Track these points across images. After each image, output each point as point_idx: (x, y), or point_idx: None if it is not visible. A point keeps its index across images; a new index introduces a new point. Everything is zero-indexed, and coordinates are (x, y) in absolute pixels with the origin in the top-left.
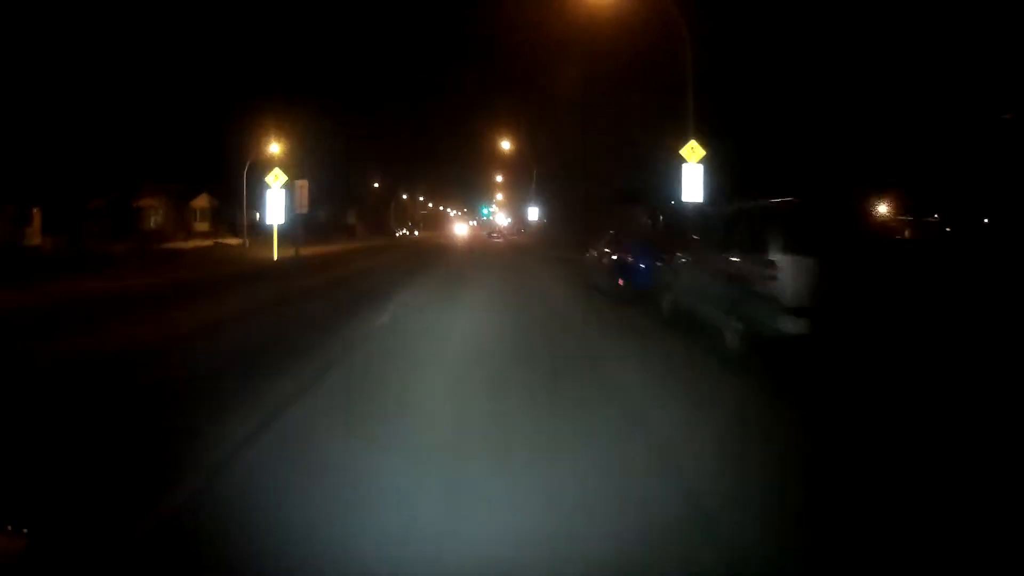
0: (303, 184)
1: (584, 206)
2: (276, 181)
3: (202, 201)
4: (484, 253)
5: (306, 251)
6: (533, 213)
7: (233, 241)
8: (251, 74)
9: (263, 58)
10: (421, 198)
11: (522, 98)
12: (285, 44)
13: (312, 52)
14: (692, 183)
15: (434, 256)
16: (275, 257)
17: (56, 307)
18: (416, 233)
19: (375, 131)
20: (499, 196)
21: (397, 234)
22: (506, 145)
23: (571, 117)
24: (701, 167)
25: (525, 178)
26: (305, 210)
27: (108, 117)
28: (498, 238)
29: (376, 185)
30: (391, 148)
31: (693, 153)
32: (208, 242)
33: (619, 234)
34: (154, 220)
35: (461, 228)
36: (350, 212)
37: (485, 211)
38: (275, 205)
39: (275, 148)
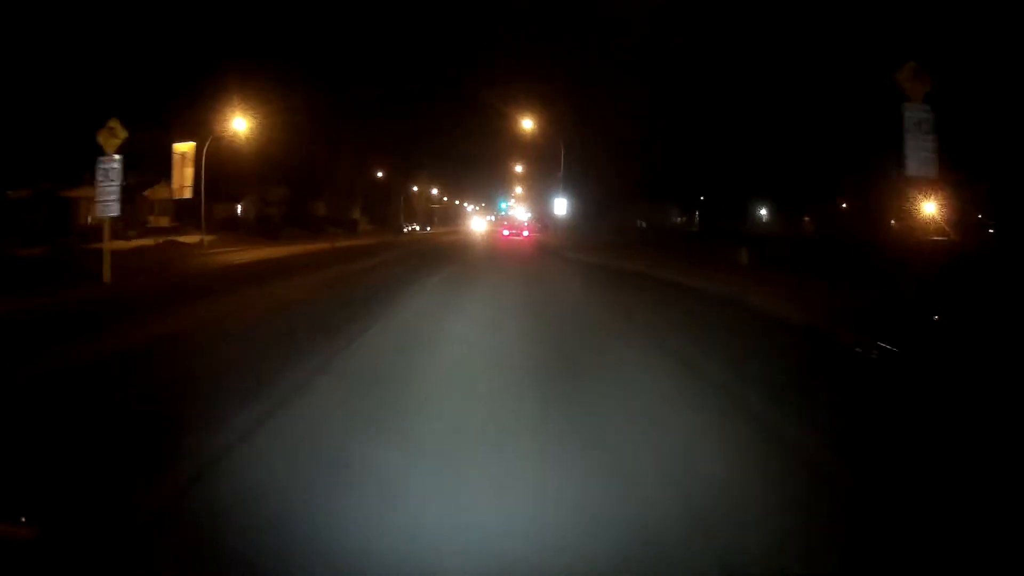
0: (185, 152)
1: (622, 200)
2: (111, 143)
3: (162, 191)
4: (504, 258)
5: (241, 255)
6: (561, 206)
7: (191, 239)
8: (223, 40)
9: (235, 19)
10: (435, 191)
11: (550, 67)
12: (263, 5)
13: (301, 19)
14: (919, 139)
15: (422, 270)
16: (106, 277)
17: None
18: (428, 229)
19: (381, 117)
20: (518, 190)
21: (405, 230)
22: (528, 124)
23: (612, 82)
24: (928, 108)
25: (548, 167)
26: (187, 195)
27: (35, 91)
28: (517, 235)
29: (380, 175)
30: (399, 136)
31: (916, 82)
32: (157, 240)
33: None
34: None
35: (479, 224)
36: (354, 206)
37: (503, 205)
38: (107, 185)
39: (241, 125)
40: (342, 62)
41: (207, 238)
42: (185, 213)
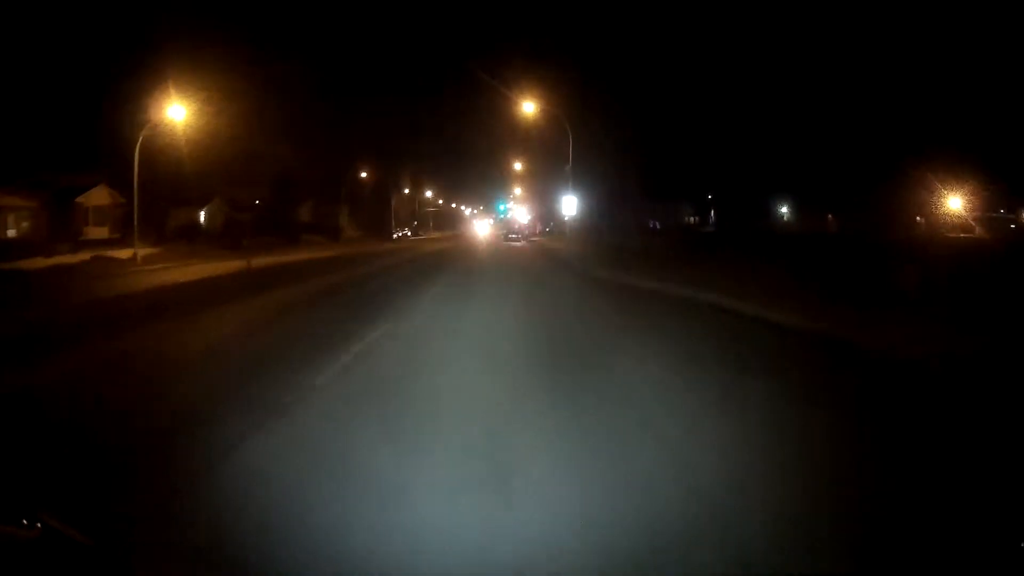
0: None
1: (633, 199)
2: None
3: (99, 197)
4: (502, 281)
5: (165, 276)
6: (570, 205)
7: (125, 254)
8: (178, 13)
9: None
10: (429, 193)
11: (554, 50)
12: None
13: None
14: None
15: (364, 314)
16: None
17: None
18: (422, 234)
19: (369, 113)
20: (517, 191)
21: (396, 235)
22: (529, 107)
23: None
24: None
25: (551, 164)
26: None
27: None
28: (519, 240)
29: (364, 175)
30: (390, 134)
31: None
32: (84, 255)
33: None
34: (19, 226)
35: (482, 227)
36: (340, 211)
37: (502, 207)
38: None
39: (179, 114)
40: (325, 49)
41: (146, 251)
42: (131, 222)
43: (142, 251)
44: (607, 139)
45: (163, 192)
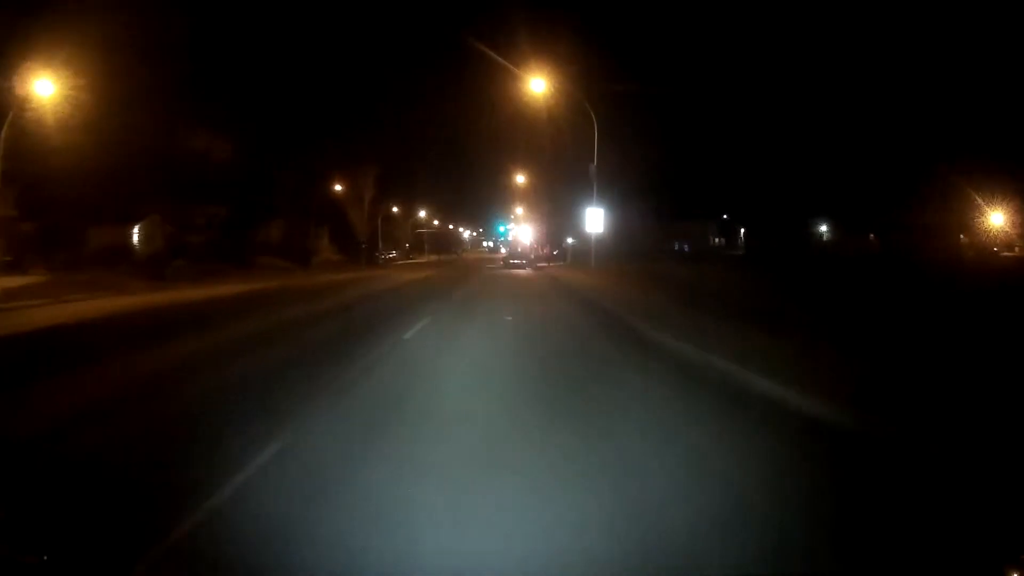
0: None
1: (657, 218)
2: None
3: None
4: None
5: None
6: (595, 220)
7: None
8: None
9: None
10: (423, 213)
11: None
12: None
13: None
14: None
15: None
16: None
17: None
18: (413, 257)
19: (352, 118)
20: (519, 210)
21: (383, 257)
22: (540, 85)
23: None
24: None
25: (562, 173)
26: None
27: None
28: (521, 267)
29: (339, 188)
30: (373, 144)
31: None
32: None
33: None
34: None
35: (503, 250)
36: (316, 230)
37: (502, 229)
38: None
39: (47, 89)
40: (298, 42)
41: (28, 281)
42: (34, 243)
43: (17, 281)
44: (633, 148)
45: (79, 206)
